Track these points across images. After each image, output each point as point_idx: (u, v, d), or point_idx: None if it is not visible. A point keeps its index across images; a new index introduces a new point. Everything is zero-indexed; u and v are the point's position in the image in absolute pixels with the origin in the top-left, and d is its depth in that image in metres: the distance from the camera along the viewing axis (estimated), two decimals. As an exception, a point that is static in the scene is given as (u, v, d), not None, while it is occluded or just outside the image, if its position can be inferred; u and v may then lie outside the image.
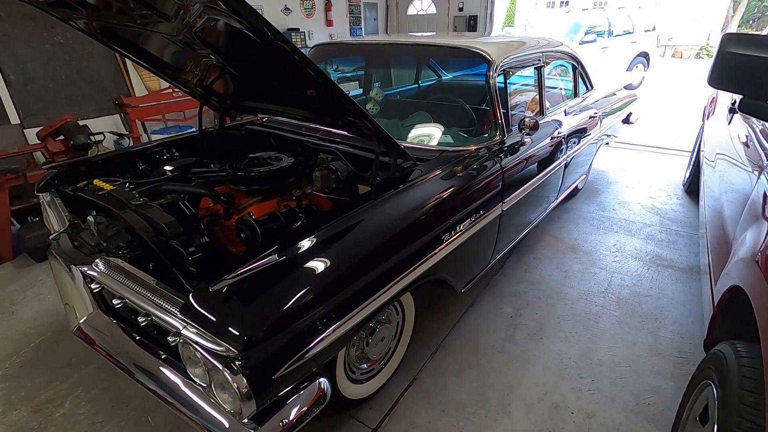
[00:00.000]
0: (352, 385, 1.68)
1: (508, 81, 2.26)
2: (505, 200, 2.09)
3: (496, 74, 2.15)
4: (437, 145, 2.13)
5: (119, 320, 1.54)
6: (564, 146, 2.72)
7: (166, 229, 1.45)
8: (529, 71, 2.63)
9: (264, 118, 2.71)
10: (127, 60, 3.96)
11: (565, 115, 2.89)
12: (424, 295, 1.93)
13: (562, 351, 2.07)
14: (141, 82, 4.03)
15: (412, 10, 6.66)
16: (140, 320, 1.38)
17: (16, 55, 3.32)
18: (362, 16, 6.30)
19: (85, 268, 1.43)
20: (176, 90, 3.95)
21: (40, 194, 2.02)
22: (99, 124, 3.62)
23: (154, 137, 4.01)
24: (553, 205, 2.94)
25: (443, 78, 2.97)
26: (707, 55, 14.58)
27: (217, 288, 1.08)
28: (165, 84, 4.12)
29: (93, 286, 1.59)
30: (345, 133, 2.06)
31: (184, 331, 1.11)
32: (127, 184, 2.04)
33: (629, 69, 8.96)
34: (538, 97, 2.65)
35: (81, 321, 1.57)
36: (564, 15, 10.35)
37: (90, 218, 1.57)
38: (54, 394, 1.90)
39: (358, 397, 1.72)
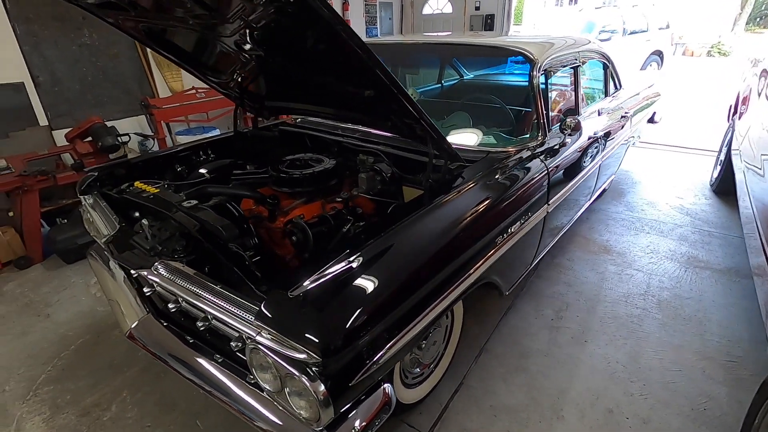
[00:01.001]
0: (406, 390, 1.66)
1: (548, 81, 2.23)
2: (550, 201, 2.06)
3: (539, 74, 2.12)
4: (480, 146, 2.10)
5: (171, 323, 1.53)
6: (600, 146, 2.69)
7: (223, 231, 1.43)
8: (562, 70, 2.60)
9: (297, 118, 2.69)
10: (151, 61, 3.97)
11: (599, 115, 2.85)
12: (469, 297, 1.91)
13: (609, 354, 2.04)
14: (165, 83, 4.03)
15: (427, 10, 6.63)
16: (198, 324, 1.37)
17: (44, 57, 3.32)
18: (378, 16, 6.27)
19: (145, 272, 1.41)
20: (200, 90, 3.95)
21: (82, 197, 2.01)
22: (124, 125, 3.63)
23: (178, 138, 4.01)
24: (586, 205, 2.91)
25: (480, 78, 2.94)
26: (719, 53, 14.46)
27: (295, 294, 1.06)
28: (188, 85, 4.12)
29: (145, 289, 1.58)
30: (389, 134, 2.04)
31: (258, 338, 1.09)
32: (167, 186, 2.03)
33: (643, 68, 8.88)
34: (573, 96, 2.62)
35: (132, 325, 1.55)
36: (577, 13, 10.28)
37: (144, 221, 1.55)
38: (99, 397, 1.89)
39: (410, 401, 1.70)
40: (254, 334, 1.11)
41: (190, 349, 1.42)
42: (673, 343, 2.10)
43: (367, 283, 1.15)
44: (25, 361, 2.13)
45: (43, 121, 3.40)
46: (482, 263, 1.57)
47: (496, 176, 1.76)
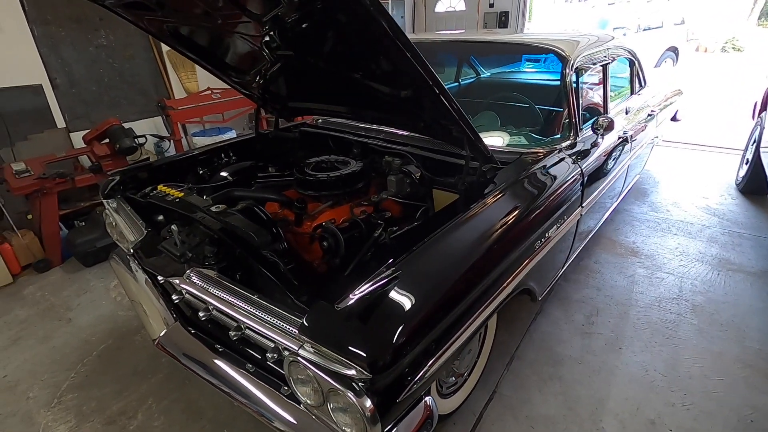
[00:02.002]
0: (441, 400, 1.61)
1: (580, 79, 2.16)
2: (584, 204, 2.00)
3: (572, 72, 2.05)
4: (510, 146, 2.04)
5: (200, 331, 1.50)
6: (628, 146, 2.61)
7: (255, 237, 1.39)
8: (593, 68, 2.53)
9: (318, 119, 2.64)
10: (166, 61, 3.94)
11: (626, 113, 2.78)
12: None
13: (646, 362, 1.97)
14: (180, 83, 4.01)
15: (440, 7, 6.55)
16: (231, 334, 1.33)
17: (62, 58, 3.31)
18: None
19: (177, 281, 1.37)
20: (215, 91, 3.92)
21: (106, 201, 1.98)
22: (140, 126, 3.60)
23: (194, 140, 3.98)
24: (614, 207, 2.84)
25: (506, 76, 2.87)
26: (733, 48, 14.20)
27: (342, 307, 1.00)
28: (203, 85, 4.09)
29: (173, 297, 1.55)
30: (417, 135, 1.98)
31: (301, 351, 1.05)
32: (191, 189, 2.00)
33: (657, 65, 8.73)
34: (602, 95, 2.54)
35: (161, 334, 1.52)
36: (589, 10, 10.14)
37: (174, 227, 1.51)
38: (125, 405, 1.86)
39: (445, 412, 1.64)
40: (296, 348, 1.06)
41: (221, 359, 1.38)
42: (712, 350, 2.03)
43: (410, 297, 1.09)
44: (48, 367, 2.11)
45: (60, 123, 3.39)
46: (521, 270, 1.51)
47: (531, 179, 1.70)
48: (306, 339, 1.03)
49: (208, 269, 1.40)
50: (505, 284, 1.42)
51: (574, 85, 2.07)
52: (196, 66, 4.05)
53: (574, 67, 2.07)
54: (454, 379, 1.67)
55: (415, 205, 1.91)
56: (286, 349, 1.10)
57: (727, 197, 3.66)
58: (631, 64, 3.04)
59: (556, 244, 1.80)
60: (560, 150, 1.95)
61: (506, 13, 5.96)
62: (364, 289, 1.05)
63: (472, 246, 1.32)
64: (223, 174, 2.23)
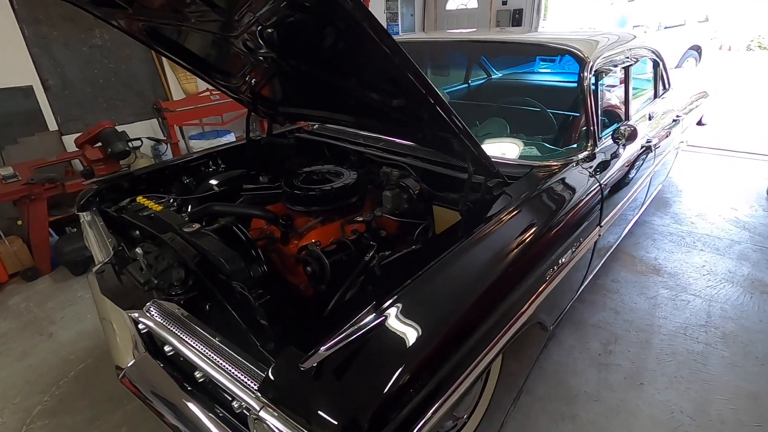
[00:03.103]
0: (437, 448, 1.42)
1: (599, 82, 1.95)
2: (603, 222, 1.79)
3: (590, 74, 1.84)
4: (521, 158, 1.84)
5: (167, 364, 1.33)
6: (652, 154, 2.39)
7: (227, 266, 1.22)
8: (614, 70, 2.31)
9: (314, 125, 2.47)
10: (164, 62, 3.82)
11: (649, 119, 2.55)
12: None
13: (671, 402, 1.76)
14: (179, 84, 3.88)
15: (451, 5, 6.34)
16: (197, 375, 1.16)
17: (54, 59, 3.20)
18: (399, 12, 6.01)
19: (136, 314, 1.22)
20: (214, 92, 3.78)
21: (81, 213, 1.84)
22: (136, 129, 3.48)
23: (192, 143, 3.86)
24: (635, 220, 2.61)
25: (516, 79, 2.67)
26: (759, 47, 13.64)
27: (308, 366, 0.83)
28: (203, 86, 3.96)
29: (141, 326, 1.39)
30: (417, 145, 1.80)
31: (262, 413, 0.87)
32: (173, 202, 1.85)
33: (679, 65, 8.37)
34: (623, 99, 2.32)
35: (128, 365, 1.36)
36: (608, 7, 9.79)
37: (139, 249, 1.36)
38: (96, 436, 1.72)
39: (441, 460, 1.46)
40: (257, 408, 0.89)
41: (188, 399, 1.22)
42: (747, 390, 1.80)
43: (399, 345, 0.91)
44: (22, 388, 1.98)
45: (52, 125, 3.28)
46: (531, 303, 1.32)
47: (544, 197, 1.50)
48: (265, 401, 0.86)
49: (174, 301, 1.24)
50: (512, 321, 1.24)
51: (592, 89, 1.87)
52: (196, 66, 3.94)
53: (593, 69, 1.86)
54: (452, 422, 1.49)
55: (413, 223, 1.73)
56: (247, 408, 0.93)
57: (758, 208, 3.39)
58: (655, 65, 2.80)
59: (571, 269, 1.60)
60: (577, 162, 1.74)
61: (520, 11, 5.71)
62: (338, 339, 0.87)
63: (474, 279, 1.13)
64: (211, 183, 2.09)
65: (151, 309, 1.19)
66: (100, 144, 3.12)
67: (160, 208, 1.67)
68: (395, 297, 0.99)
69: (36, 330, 2.38)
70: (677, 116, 2.88)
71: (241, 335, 1.13)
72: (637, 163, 2.14)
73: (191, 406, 1.19)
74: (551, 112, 2.14)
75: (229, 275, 1.23)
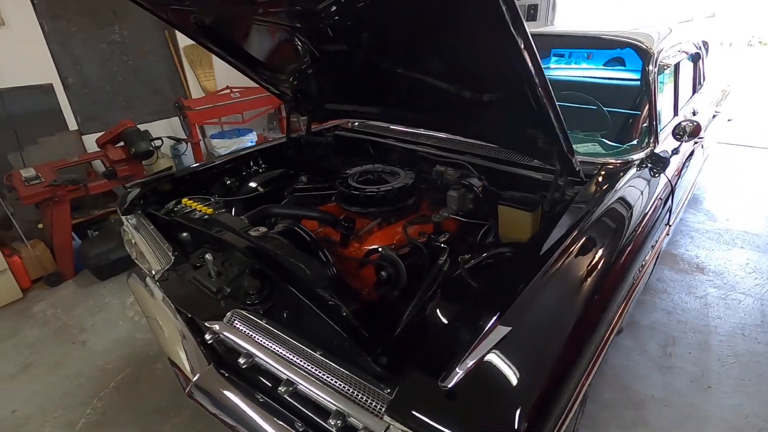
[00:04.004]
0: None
1: (659, 77, 1.88)
2: (671, 221, 1.73)
3: (654, 68, 1.78)
4: (586, 155, 1.76)
5: (237, 376, 1.25)
6: (701, 151, 2.34)
7: (309, 272, 1.15)
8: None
9: (355, 122, 2.39)
10: (183, 58, 3.71)
11: (693, 114, 2.49)
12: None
13: (743, 406, 1.70)
14: (197, 82, 3.77)
15: None
16: (281, 390, 1.08)
17: (73, 56, 3.09)
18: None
19: (216, 326, 1.13)
20: (234, 90, 3.68)
21: (125, 216, 1.75)
22: (156, 128, 3.38)
23: (213, 142, 3.75)
24: (678, 218, 2.56)
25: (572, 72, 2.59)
26: (760, 43, 13.69)
27: (447, 385, 0.75)
28: (221, 84, 3.86)
29: (207, 336, 1.31)
30: (479, 142, 1.73)
31: (391, 437, 0.80)
32: (218, 203, 1.76)
33: (687, 59, 8.34)
34: (673, 94, 2.26)
35: (194, 380, 1.28)
36: (616, 4, 9.73)
37: (208, 256, 1.27)
38: (147, 450, 1.64)
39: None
40: (381, 430, 0.82)
41: (266, 414, 1.14)
42: (819, 392, 1.75)
43: (532, 363, 0.85)
44: (61, 400, 1.89)
45: (72, 125, 3.17)
46: (626, 309, 1.26)
47: (625, 198, 1.43)
48: (399, 425, 0.78)
49: (253, 311, 1.15)
50: (610, 330, 1.17)
51: (655, 83, 1.80)
52: (215, 63, 3.84)
53: (657, 62, 1.80)
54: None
55: (477, 224, 1.66)
56: (365, 428, 0.86)
57: (790, 205, 3.35)
58: (696, 58, 2.75)
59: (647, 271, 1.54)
60: (643, 160, 1.68)
61: (535, 6, 5.65)
62: (472, 360, 0.80)
63: (580, 289, 1.06)
64: (253, 185, 2.00)
65: (234, 319, 1.11)
66: (122, 144, 3.02)
67: (211, 210, 1.59)
68: (511, 310, 0.92)
69: (67, 338, 2.29)
70: (716, 111, 2.83)
71: (333, 347, 1.05)
72: (691, 159, 2.08)
73: (266, 421, 1.12)
74: (607, 109, 2.07)
75: (311, 281, 1.15)
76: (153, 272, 1.43)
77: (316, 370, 0.95)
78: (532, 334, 0.90)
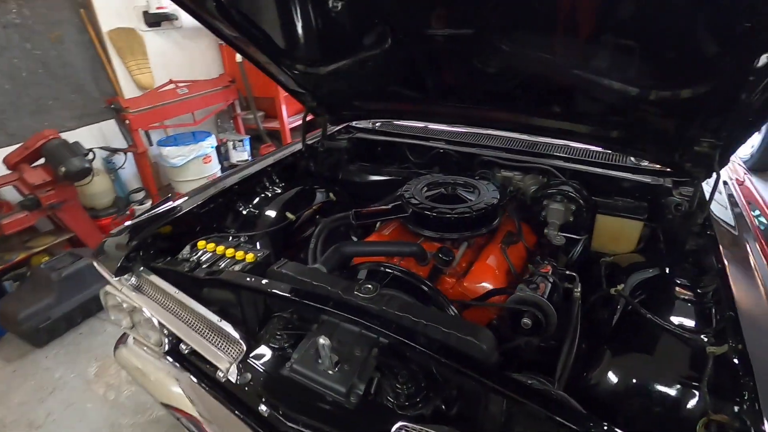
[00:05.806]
0: None
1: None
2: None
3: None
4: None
5: None
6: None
7: (483, 346, 0.82)
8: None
9: (377, 122, 2.02)
10: (109, 46, 2.90)
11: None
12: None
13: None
14: (129, 75, 3.00)
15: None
16: None
17: (-48, 44, 2.22)
18: None
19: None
20: (180, 85, 3.01)
21: (120, 278, 1.21)
22: (82, 136, 2.58)
23: (163, 151, 3.03)
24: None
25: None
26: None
27: None
28: (159, 77, 3.13)
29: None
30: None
31: None
32: (245, 242, 1.33)
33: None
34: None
35: None
36: None
37: (322, 340, 0.84)
38: None
39: None
40: None
41: None
42: None
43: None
44: None
45: (-40, 140, 2.31)
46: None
47: (740, 206, 1.30)
48: None
49: (421, 422, 0.78)
50: None
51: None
52: (149, 51, 3.10)
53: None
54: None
55: (572, 238, 1.44)
56: None
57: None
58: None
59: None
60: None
61: None
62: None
63: None
64: (273, 212, 1.56)
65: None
66: (43, 162, 2.27)
67: (252, 257, 1.17)
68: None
69: (13, 444, 1.64)
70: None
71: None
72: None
73: None
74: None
75: (484, 358, 0.82)
76: (215, 364, 0.97)
77: None
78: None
